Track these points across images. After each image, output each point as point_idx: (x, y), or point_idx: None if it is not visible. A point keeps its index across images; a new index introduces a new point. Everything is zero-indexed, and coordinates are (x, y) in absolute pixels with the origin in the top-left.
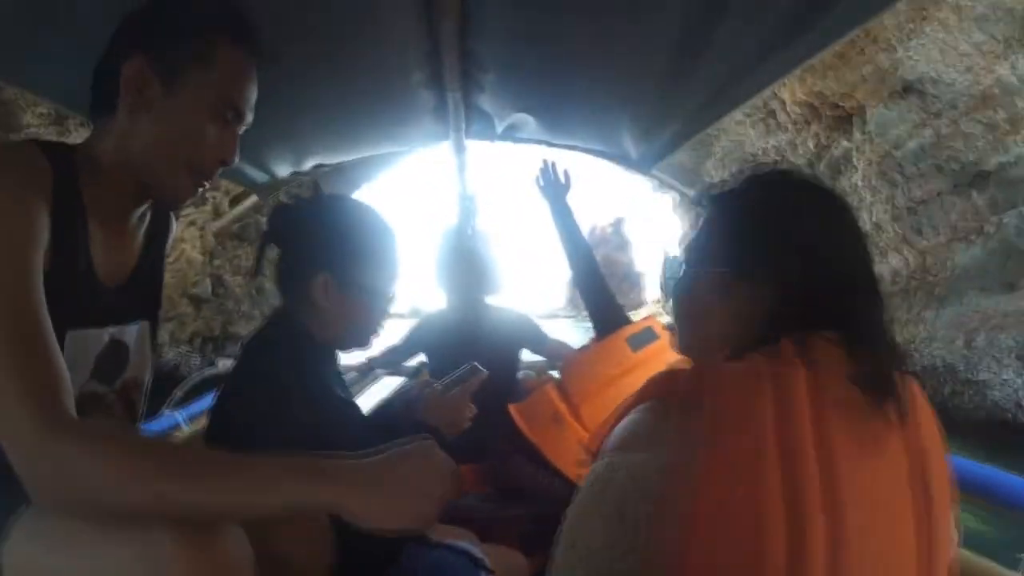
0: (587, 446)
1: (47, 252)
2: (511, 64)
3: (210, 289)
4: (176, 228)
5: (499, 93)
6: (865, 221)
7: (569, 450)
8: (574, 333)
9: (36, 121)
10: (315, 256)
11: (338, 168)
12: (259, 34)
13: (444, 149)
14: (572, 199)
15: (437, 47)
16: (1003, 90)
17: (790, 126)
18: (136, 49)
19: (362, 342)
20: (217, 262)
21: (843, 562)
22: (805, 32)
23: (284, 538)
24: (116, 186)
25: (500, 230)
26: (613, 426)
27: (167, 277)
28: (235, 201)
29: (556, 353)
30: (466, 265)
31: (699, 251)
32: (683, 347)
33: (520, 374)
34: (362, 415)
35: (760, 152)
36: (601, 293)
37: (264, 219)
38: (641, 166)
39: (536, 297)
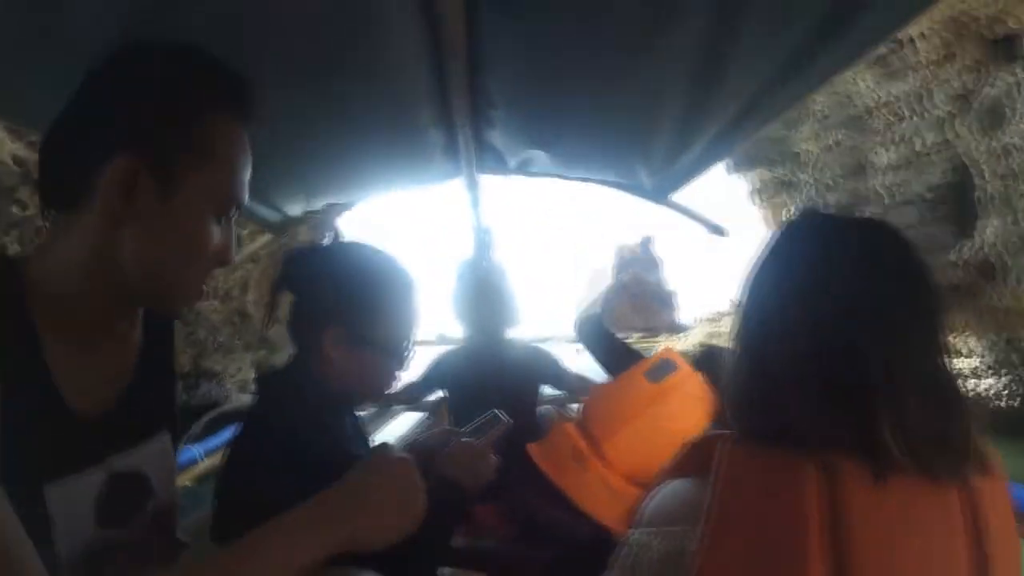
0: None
1: None
2: (520, 100)
3: None
4: None
5: (509, 129)
6: None
7: (591, 489)
8: (586, 358)
9: None
10: (327, 308)
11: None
12: (256, 96)
13: (457, 185)
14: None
15: (445, 84)
16: None
17: (922, 64)
18: (123, 147)
19: (373, 398)
20: None
21: None
22: (818, 56)
23: None
24: (89, 299)
25: (514, 258)
26: (650, 494)
27: None
28: None
29: (576, 387)
30: (483, 300)
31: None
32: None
33: (541, 408)
34: None
35: (876, 106)
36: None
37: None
38: (657, 196)
39: (545, 321)
